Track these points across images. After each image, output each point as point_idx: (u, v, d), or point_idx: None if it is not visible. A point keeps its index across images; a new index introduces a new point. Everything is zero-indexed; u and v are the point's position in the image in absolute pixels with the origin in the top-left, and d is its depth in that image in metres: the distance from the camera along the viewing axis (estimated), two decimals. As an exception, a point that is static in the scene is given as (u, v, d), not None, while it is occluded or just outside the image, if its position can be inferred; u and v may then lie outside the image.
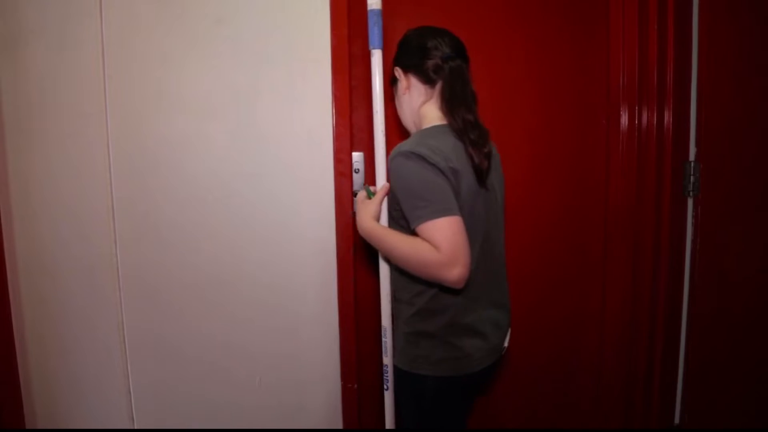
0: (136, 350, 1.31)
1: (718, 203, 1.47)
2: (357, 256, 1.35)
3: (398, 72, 1.09)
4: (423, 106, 1.08)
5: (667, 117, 1.46)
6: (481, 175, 0.99)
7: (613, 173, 1.55)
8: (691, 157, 1.49)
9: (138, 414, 1.33)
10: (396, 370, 1.08)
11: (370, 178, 1.41)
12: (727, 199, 1.47)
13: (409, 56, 1.08)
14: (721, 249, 1.48)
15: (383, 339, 1.11)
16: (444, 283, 0.93)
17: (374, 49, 1.09)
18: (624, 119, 1.51)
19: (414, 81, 1.07)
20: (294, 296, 1.31)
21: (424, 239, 0.92)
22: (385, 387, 1.14)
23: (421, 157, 0.93)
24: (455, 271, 0.89)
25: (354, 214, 1.12)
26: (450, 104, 1.03)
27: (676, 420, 1.57)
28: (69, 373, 1.31)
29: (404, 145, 0.96)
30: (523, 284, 1.61)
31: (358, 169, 1.41)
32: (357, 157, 1.40)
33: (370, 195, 1.07)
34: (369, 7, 1.09)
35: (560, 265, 1.61)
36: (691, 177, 1.48)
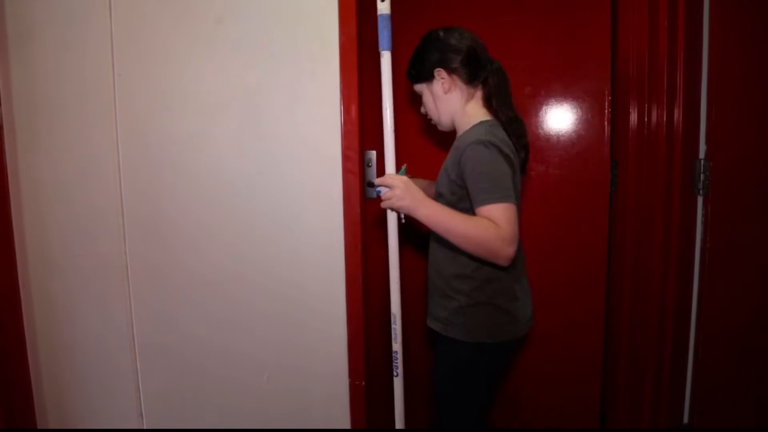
0: (145, 348, 1.31)
1: (728, 202, 1.46)
2: (365, 253, 1.35)
3: (442, 73, 1.15)
4: (467, 105, 1.17)
5: (677, 115, 1.45)
6: (523, 163, 1.17)
7: (622, 171, 1.55)
8: (701, 155, 1.48)
9: (147, 411, 1.33)
10: (449, 343, 1.16)
11: (380, 174, 1.41)
12: (738, 197, 1.45)
13: (453, 59, 1.14)
14: (731, 248, 1.47)
15: (393, 326, 1.19)
16: (497, 258, 1.03)
17: (384, 50, 1.14)
18: (633, 117, 1.50)
19: (458, 82, 1.16)
20: (302, 293, 1.31)
21: (491, 215, 1.02)
22: (395, 374, 1.19)
23: (497, 147, 1.04)
24: (510, 249, 1.01)
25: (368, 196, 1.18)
26: (497, 102, 1.15)
27: (685, 419, 1.56)
28: (79, 372, 1.32)
29: (479, 136, 1.06)
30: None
31: (371, 164, 1.47)
32: (369, 155, 1.43)
33: (402, 171, 1.14)
34: (379, 12, 1.12)
35: (565, 263, 1.61)
36: (701, 175, 1.47)
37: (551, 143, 1.58)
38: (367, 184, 1.38)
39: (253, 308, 1.32)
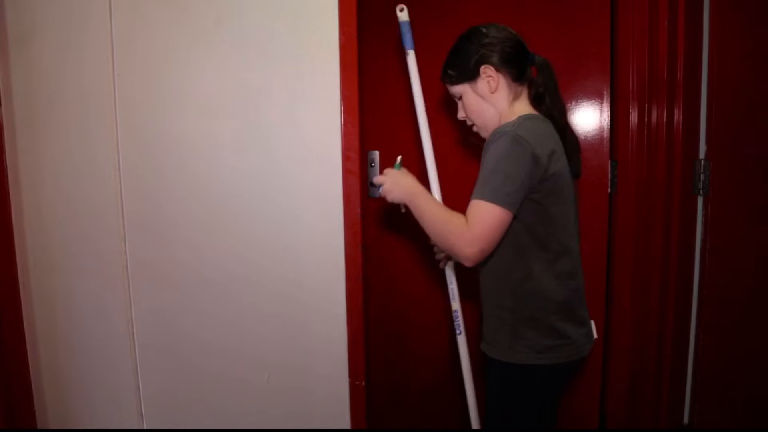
0: (145, 348, 1.31)
1: (728, 202, 1.46)
2: (365, 253, 1.35)
3: (489, 70, 1.06)
4: (515, 103, 1.09)
5: (677, 114, 1.45)
6: (576, 167, 1.09)
7: (621, 171, 1.55)
8: (701, 155, 1.48)
9: (147, 411, 1.33)
10: (498, 365, 1.06)
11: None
12: (738, 197, 1.46)
13: (500, 55, 1.06)
14: (731, 248, 1.47)
15: (450, 286, 1.30)
16: (458, 258, 1.01)
17: (409, 49, 1.25)
18: (633, 117, 1.50)
19: (506, 79, 1.07)
20: (302, 293, 1.31)
21: (472, 210, 0.97)
22: (457, 332, 1.28)
23: (523, 141, 0.95)
24: (471, 251, 0.96)
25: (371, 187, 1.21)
26: (550, 102, 1.09)
27: (685, 420, 1.56)
28: (79, 371, 1.32)
29: (507, 127, 0.99)
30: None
31: (374, 164, 1.50)
32: (373, 155, 1.44)
33: (398, 166, 1.15)
34: (399, 20, 1.25)
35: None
36: (701, 175, 1.47)
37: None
38: (369, 184, 1.40)
39: (253, 307, 1.32)
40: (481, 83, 1.08)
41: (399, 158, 1.18)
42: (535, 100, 1.09)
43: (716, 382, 1.50)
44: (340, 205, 1.28)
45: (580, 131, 1.56)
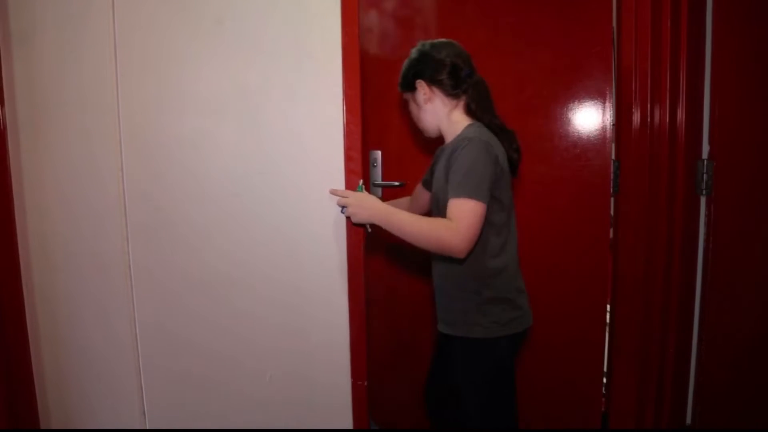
0: (147, 348, 1.32)
1: (731, 202, 1.45)
2: (367, 253, 1.35)
3: (422, 84, 1.24)
4: (453, 112, 1.26)
5: (680, 114, 1.45)
6: (515, 166, 1.24)
7: (624, 172, 1.54)
8: (704, 155, 1.48)
9: (149, 411, 1.33)
10: (474, 347, 1.21)
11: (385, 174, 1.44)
12: (741, 197, 1.45)
13: (434, 72, 1.23)
14: (734, 248, 1.47)
15: None
16: (450, 251, 1.09)
17: None
18: (636, 117, 1.50)
19: (438, 93, 1.24)
20: (304, 293, 1.31)
21: (452, 210, 1.10)
22: None
23: (487, 144, 1.13)
24: (462, 242, 1.08)
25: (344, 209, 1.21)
26: (479, 113, 1.24)
27: (688, 420, 1.56)
28: (81, 372, 1.32)
29: (469, 134, 1.17)
30: (529, 282, 1.60)
31: (377, 164, 1.53)
32: (375, 155, 1.44)
33: (360, 189, 1.20)
34: None
35: (567, 265, 1.61)
36: (704, 175, 1.46)
37: (553, 144, 1.58)
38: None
39: (254, 306, 1.32)
40: (418, 94, 1.26)
41: (361, 182, 1.22)
42: (470, 110, 1.25)
43: (719, 383, 1.50)
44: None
45: (582, 131, 1.55)
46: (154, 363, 1.33)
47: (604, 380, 1.66)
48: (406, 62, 1.28)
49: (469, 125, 1.21)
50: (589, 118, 1.55)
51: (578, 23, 1.53)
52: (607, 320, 1.64)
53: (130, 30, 1.24)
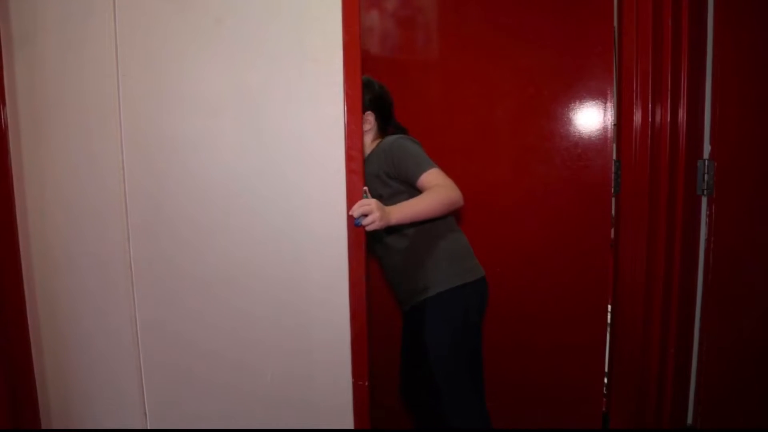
0: (149, 346, 1.32)
1: (732, 202, 1.45)
2: (369, 252, 1.35)
3: (372, 115, 1.46)
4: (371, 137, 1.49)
5: (681, 114, 1.45)
6: None
7: (625, 172, 1.54)
8: (706, 155, 1.48)
9: (151, 411, 1.34)
10: (436, 303, 1.36)
11: None
12: (742, 198, 1.45)
13: (379, 104, 1.48)
14: (735, 248, 1.47)
15: None
16: (458, 203, 1.31)
17: None
18: (637, 117, 1.49)
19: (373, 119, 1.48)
20: (305, 292, 1.31)
21: (430, 180, 1.30)
22: None
23: (410, 137, 1.42)
24: (459, 192, 1.30)
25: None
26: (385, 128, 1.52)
27: (689, 420, 1.56)
28: (82, 369, 1.32)
29: (392, 137, 1.42)
30: (529, 282, 1.60)
31: None
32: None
33: (367, 197, 1.24)
34: None
35: (568, 265, 1.61)
36: (705, 175, 1.46)
37: (554, 144, 1.58)
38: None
39: (255, 305, 1.32)
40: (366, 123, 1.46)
41: (365, 188, 1.24)
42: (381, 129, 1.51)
43: (720, 383, 1.50)
44: (344, 205, 1.28)
45: (583, 131, 1.56)
46: (156, 362, 1.33)
47: (605, 380, 1.66)
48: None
49: (384, 139, 1.44)
50: (590, 118, 1.55)
51: (579, 23, 1.53)
52: (608, 320, 1.64)
53: (131, 30, 1.24)
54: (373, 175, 1.41)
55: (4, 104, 1.22)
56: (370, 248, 1.52)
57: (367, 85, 1.42)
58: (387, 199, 1.34)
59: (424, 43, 1.69)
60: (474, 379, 1.41)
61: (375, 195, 1.36)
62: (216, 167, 1.28)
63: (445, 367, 1.37)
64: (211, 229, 1.29)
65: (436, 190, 1.28)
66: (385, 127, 1.50)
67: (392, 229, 1.39)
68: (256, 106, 1.26)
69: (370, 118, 1.46)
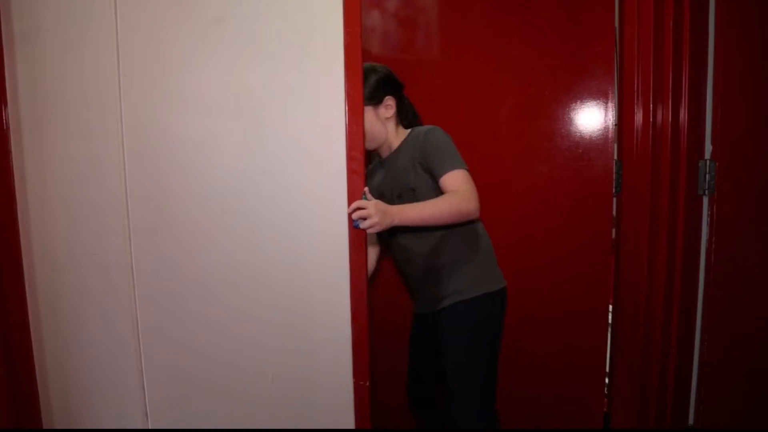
0: (150, 347, 1.32)
1: (734, 202, 1.45)
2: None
3: (391, 100, 1.42)
4: (397, 125, 1.46)
5: (682, 114, 1.45)
6: None
7: (626, 172, 1.54)
8: (707, 155, 1.48)
9: (152, 411, 1.34)
10: (460, 309, 1.33)
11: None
12: (744, 198, 1.45)
13: (393, 85, 1.43)
14: (736, 249, 1.47)
15: None
16: (469, 215, 1.24)
17: None
18: (638, 117, 1.49)
19: (395, 108, 1.43)
20: (306, 293, 1.31)
21: (452, 182, 1.25)
22: None
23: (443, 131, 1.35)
24: (475, 203, 1.24)
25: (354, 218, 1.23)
26: (411, 120, 1.49)
27: (691, 420, 1.56)
28: (83, 370, 1.32)
29: (428, 126, 1.38)
30: (530, 282, 1.60)
31: None
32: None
33: (366, 197, 1.22)
34: None
35: (569, 265, 1.61)
36: (707, 176, 1.46)
37: (555, 143, 1.58)
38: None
39: (257, 306, 1.32)
40: (382, 109, 1.41)
41: (366, 189, 1.22)
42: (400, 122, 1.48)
43: (721, 383, 1.50)
44: (345, 205, 1.28)
45: (584, 131, 1.55)
46: (157, 363, 1.33)
47: (606, 380, 1.65)
48: (373, 78, 1.39)
49: (411, 129, 1.42)
50: (591, 118, 1.55)
51: (580, 23, 1.52)
52: (609, 320, 1.64)
53: (132, 30, 1.24)
54: (406, 167, 1.37)
55: (5, 104, 1.22)
56: (387, 247, 1.52)
57: (371, 71, 1.39)
58: (424, 193, 1.31)
59: (425, 42, 1.69)
60: (491, 385, 1.39)
61: (407, 189, 1.35)
62: (217, 167, 1.28)
63: (466, 372, 1.35)
64: (212, 229, 1.29)
65: (450, 197, 1.24)
66: (402, 110, 1.45)
67: (412, 230, 1.35)
68: (257, 105, 1.26)
69: (391, 102, 1.41)
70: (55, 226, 1.27)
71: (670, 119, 1.46)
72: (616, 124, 1.55)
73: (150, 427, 1.35)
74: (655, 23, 1.45)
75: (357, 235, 1.28)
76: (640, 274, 1.53)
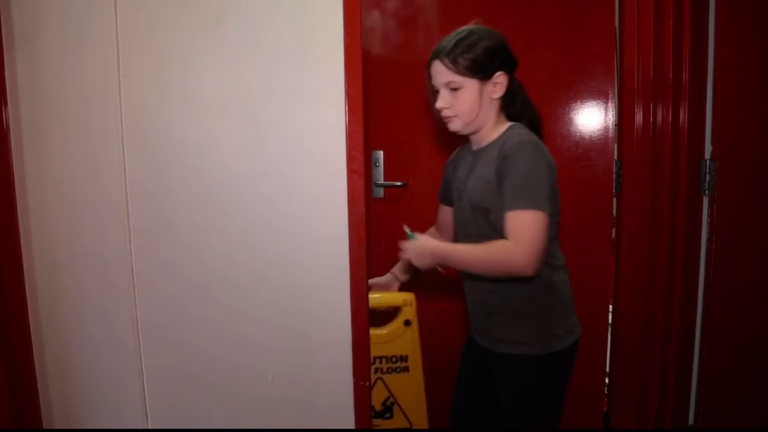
0: (150, 347, 1.32)
1: (734, 202, 1.45)
2: (369, 254, 1.35)
3: (504, 77, 1.14)
4: (499, 111, 1.18)
5: (683, 114, 1.45)
6: None
7: (626, 172, 1.54)
8: (707, 155, 1.48)
9: (152, 411, 1.34)
10: (524, 362, 1.14)
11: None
12: (744, 198, 1.45)
13: (509, 60, 1.15)
14: (736, 249, 1.47)
15: None
16: (518, 272, 1.00)
17: None
18: (638, 117, 1.49)
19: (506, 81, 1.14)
20: (306, 293, 1.31)
21: (514, 225, 1.00)
22: None
23: (543, 149, 1.07)
24: (528, 259, 0.98)
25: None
26: (521, 111, 1.19)
27: (691, 420, 1.56)
28: (84, 370, 1.32)
29: (524, 136, 1.08)
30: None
31: (378, 164, 1.52)
32: (377, 155, 1.44)
33: (412, 236, 1.16)
34: None
35: (569, 265, 1.60)
36: (707, 176, 1.46)
37: (555, 144, 1.58)
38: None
39: (257, 306, 1.32)
40: (489, 86, 1.14)
41: (407, 228, 1.18)
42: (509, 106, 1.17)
43: (722, 383, 1.50)
44: (345, 205, 1.28)
45: (584, 131, 1.56)
46: (157, 363, 1.33)
47: (606, 380, 1.65)
48: (480, 46, 1.12)
49: (512, 125, 1.13)
50: (591, 118, 1.55)
51: (580, 23, 1.53)
52: (610, 320, 1.64)
53: (132, 30, 1.24)
54: (484, 178, 1.11)
55: (5, 104, 1.22)
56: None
57: (484, 36, 1.13)
58: (499, 218, 1.06)
59: (425, 43, 1.69)
60: (551, 424, 1.24)
61: (480, 207, 1.13)
62: (217, 167, 1.28)
63: (518, 421, 1.21)
64: (212, 230, 1.29)
65: (499, 251, 1.01)
66: (509, 94, 1.16)
67: None
68: (257, 105, 1.26)
69: (502, 80, 1.12)
70: (55, 226, 1.27)
71: (670, 119, 1.46)
72: (616, 124, 1.55)
73: (150, 427, 1.35)
74: (655, 23, 1.45)
75: (357, 236, 1.28)
76: (640, 274, 1.53)
